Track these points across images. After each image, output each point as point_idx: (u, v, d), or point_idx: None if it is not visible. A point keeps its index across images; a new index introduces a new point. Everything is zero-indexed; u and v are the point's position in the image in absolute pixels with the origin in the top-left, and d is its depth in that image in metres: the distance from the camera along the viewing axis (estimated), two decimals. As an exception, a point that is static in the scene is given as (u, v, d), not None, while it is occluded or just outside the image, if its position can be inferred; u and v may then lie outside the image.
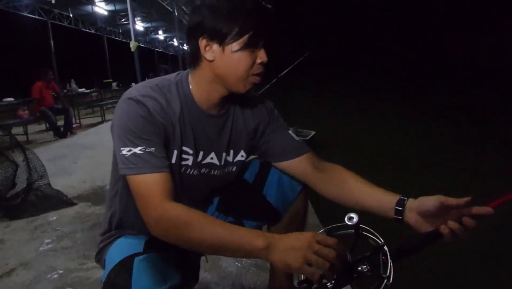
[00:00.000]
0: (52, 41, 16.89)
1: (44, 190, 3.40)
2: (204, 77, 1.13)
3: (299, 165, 1.25)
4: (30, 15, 15.55)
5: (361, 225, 0.90)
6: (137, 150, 1.03)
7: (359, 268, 0.89)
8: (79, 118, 9.64)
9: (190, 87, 1.15)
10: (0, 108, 8.85)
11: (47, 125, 8.25)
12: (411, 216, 1.03)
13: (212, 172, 1.24)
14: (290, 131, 1.30)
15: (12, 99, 9.02)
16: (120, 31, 23.91)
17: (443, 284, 2.20)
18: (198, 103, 1.16)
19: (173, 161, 1.13)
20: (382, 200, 1.09)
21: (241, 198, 1.35)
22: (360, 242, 0.92)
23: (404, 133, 6.92)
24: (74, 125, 8.37)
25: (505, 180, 3.48)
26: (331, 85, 20.66)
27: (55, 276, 2.11)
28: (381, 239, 0.92)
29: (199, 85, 1.15)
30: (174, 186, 1.05)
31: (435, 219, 1.00)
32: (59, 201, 3.33)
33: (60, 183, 3.81)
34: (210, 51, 1.08)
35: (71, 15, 18.35)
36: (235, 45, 1.05)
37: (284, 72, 4.70)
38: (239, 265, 2.02)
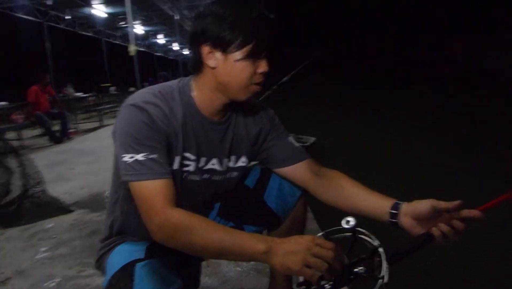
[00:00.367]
0: (48, 44, 17.06)
1: (40, 197, 3.44)
2: (206, 84, 1.19)
3: (299, 171, 1.33)
4: (26, 17, 15.69)
5: (357, 228, 0.97)
6: (139, 157, 1.07)
7: (356, 270, 0.96)
8: (76, 123, 9.74)
9: (193, 94, 1.21)
10: (-7, 112, 8.93)
11: (42, 131, 8.34)
12: (405, 220, 1.11)
13: (214, 177, 1.30)
14: (290, 138, 1.38)
15: (6, 103, 9.08)
16: (119, 34, 24.09)
17: (437, 285, 2.29)
18: (200, 110, 1.21)
19: (175, 167, 1.19)
20: (378, 204, 1.17)
21: (242, 203, 1.42)
22: (357, 244, 0.99)
23: (403, 138, 7.09)
24: (70, 131, 8.44)
25: (496, 184, 3.59)
26: (331, 91, 20.88)
27: (53, 284, 2.15)
28: (377, 241, 0.99)
29: (202, 92, 1.20)
30: (176, 192, 1.10)
31: (427, 222, 1.08)
32: (56, 208, 3.37)
33: (56, 189, 3.87)
34: (213, 58, 1.13)
35: (68, 17, 18.51)
36: (238, 54, 1.11)
37: (284, 79, 4.79)
38: (239, 269, 2.10)
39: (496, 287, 2.17)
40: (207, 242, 0.99)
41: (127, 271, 1.11)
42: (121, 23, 21.03)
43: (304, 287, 0.95)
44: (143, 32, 24.15)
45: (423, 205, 1.08)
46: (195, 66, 1.20)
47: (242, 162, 1.35)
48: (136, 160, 1.07)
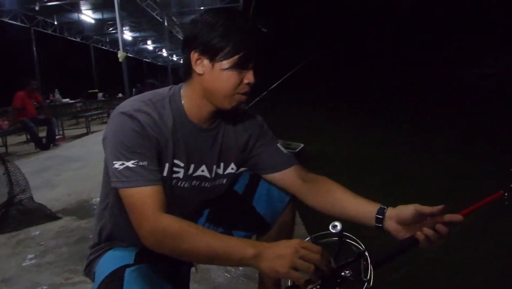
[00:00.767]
0: (35, 49, 16.98)
1: (26, 204, 3.42)
2: (195, 91, 1.21)
3: (287, 177, 1.36)
4: (12, 22, 15.63)
5: (344, 233, 1.01)
6: (130, 164, 1.09)
7: (343, 273, 0.99)
8: (63, 130, 9.68)
9: (182, 101, 1.23)
10: (-23, 118, 8.85)
11: (28, 137, 8.28)
12: (390, 224, 1.15)
13: (203, 184, 1.33)
14: (278, 145, 1.41)
15: (-10, 108, 9.04)
16: (107, 40, 24.05)
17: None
18: (190, 118, 1.24)
19: (165, 173, 1.21)
20: (364, 209, 1.21)
21: (231, 209, 1.44)
22: (344, 249, 1.02)
23: (391, 145, 7.35)
24: (57, 137, 8.41)
25: (478, 190, 3.74)
26: (320, 97, 21.37)
27: (40, 292, 2.15)
28: (362, 245, 1.02)
29: (191, 100, 1.23)
30: (166, 198, 1.12)
31: (412, 226, 1.12)
32: (43, 215, 3.35)
33: (43, 196, 3.86)
34: (201, 65, 1.16)
35: (55, 23, 18.44)
36: (225, 63, 1.14)
37: (273, 86, 4.84)
38: (228, 276, 2.12)
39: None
40: (197, 247, 1.01)
41: (116, 276, 1.13)
42: (109, 29, 21.01)
43: None
44: (131, 38, 24.14)
45: (407, 210, 1.12)
46: (185, 72, 1.22)
47: (231, 168, 1.37)
48: (127, 167, 1.09)
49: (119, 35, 11.30)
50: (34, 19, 16.67)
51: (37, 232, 3.08)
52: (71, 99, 13.20)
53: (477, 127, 8.84)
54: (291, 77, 4.84)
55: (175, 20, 21.12)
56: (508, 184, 1.09)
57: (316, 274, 0.93)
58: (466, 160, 5.66)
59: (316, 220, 1.19)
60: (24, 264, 2.53)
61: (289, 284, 0.97)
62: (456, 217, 1.08)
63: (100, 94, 15.71)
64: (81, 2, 15.90)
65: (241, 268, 2.18)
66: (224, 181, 1.38)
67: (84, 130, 10.16)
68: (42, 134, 7.85)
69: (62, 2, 14.60)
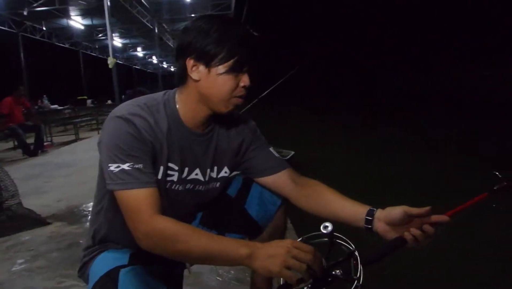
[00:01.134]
0: (23, 55, 16.91)
1: (16, 210, 3.41)
2: (190, 97, 1.25)
3: (279, 180, 1.40)
4: (0, 27, 15.57)
5: (335, 233, 1.05)
6: (125, 166, 1.11)
7: (333, 273, 1.03)
8: (51, 136, 9.64)
9: (177, 106, 1.27)
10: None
11: (15, 143, 8.24)
12: (379, 225, 1.20)
13: (197, 187, 1.36)
14: (271, 149, 1.45)
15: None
16: (97, 46, 24.02)
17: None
18: (184, 122, 1.27)
19: (159, 176, 1.24)
20: (354, 211, 1.25)
21: (224, 212, 1.48)
22: (334, 249, 1.07)
23: (381, 152, 7.57)
24: (45, 144, 8.36)
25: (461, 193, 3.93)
26: (310, 106, 21.71)
27: (31, 295, 2.17)
28: (352, 245, 1.07)
29: (186, 105, 1.26)
30: (161, 201, 1.15)
31: (400, 227, 1.17)
32: (33, 220, 3.35)
33: (33, 202, 3.85)
34: (196, 71, 1.20)
35: (44, 28, 18.40)
36: (220, 68, 1.18)
37: (264, 93, 4.90)
38: (220, 279, 2.16)
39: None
40: (193, 248, 1.04)
41: (111, 276, 1.16)
42: (99, 35, 21.00)
43: None
44: (121, 45, 24.13)
45: (396, 211, 1.17)
46: (179, 78, 1.25)
47: (224, 172, 1.41)
48: (122, 170, 1.11)
49: (109, 41, 11.29)
50: (22, 24, 16.62)
51: (27, 237, 3.09)
52: (59, 106, 13.17)
53: (467, 131, 9.21)
54: (282, 84, 4.92)
55: (165, 27, 21.20)
56: (492, 186, 1.14)
57: (308, 273, 0.96)
58: (453, 163, 5.96)
59: (306, 224, 1.24)
60: (14, 269, 2.53)
61: (282, 283, 1.01)
62: (442, 218, 1.13)
63: (89, 101, 15.66)
64: (70, 8, 15.89)
65: (232, 271, 2.22)
66: (218, 184, 1.41)
67: (72, 137, 10.12)
68: (30, 140, 7.81)
69: (51, 7, 14.57)
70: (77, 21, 17.79)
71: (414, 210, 1.14)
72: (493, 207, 1.22)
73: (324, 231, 1.04)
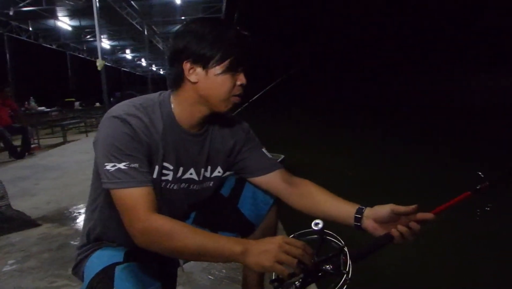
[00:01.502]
0: (8, 55, 16.78)
1: (5, 211, 3.41)
2: (186, 98, 1.30)
3: (272, 180, 1.46)
4: (-16, 27, 15.45)
5: (325, 230, 1.11)
6: (121, 165, 1.15)
7: (324, 267, 1.08)
8: (38, 139, 9.58)
9: (172, 107, 1.32)
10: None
11: (1, 145, 8.17)
12: (368, 223, 1.27)
13: (191, 186, 1.41)
14: (264, 150, 1.51)
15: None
16: (85, 48, 23.90)
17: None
18: (179, 123, 1.32)
19: (154, 176, 1.28)
20: (344, 209, 1.32)
21: (218, 211, 1.53)
22: (325, 245, 1.13)
23: (368, 155, 7.89)
24: (32, 146, 8.31)
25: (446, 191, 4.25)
26: (300, 110, 22.01)
27: (23, 295, 2.18)
28: (342, 241, 1.13)
29: (181, 106, 1.31)
30: (156, 200, 1.19)
31: (387, 225, 1.23)
32: (22, 222, 3.34)
33: (21, 204, 3.85)
34: (194, 74, 1.25)
35: (30, 29, 18.28)
36: (217, 69, 1.24)
37: (256, 97, 4.97)
38: (212, 278, 2.21)
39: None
40: (188, 245, 1.09)
41: (107, 273, 1.20)
42: (87, 36, 20.91)
43: (276, 283, 1.07)
44: (109, 47, 24.05)
45: (383, 209, 1.24)
46: (175, 81, 1.30)
47: (218, 172, 1.46)
48: (119, 169, 1.15)
49: (98, 43, 11.27)
50: (8, 24, 16.49)
51: (18, 239, 3.09)
52: (47, 108, 13.09)
53: (459, 133, 9.74)
54: (273, 89, 4.99)
55: (155, 29, 21.17)
56: (475, 186, 1.21)
57: (299, 267, 1.02)
58: (439, 164, 6.37)
59: (296, 223, 1.30)
60: (5, 269, 2.54)
61: (274, 277, 1.06)
62: (428, 216, 1.20)
63: (77, 103, 15.60)
64: (58, 8, 15.82)
65: (224, 270, 2.27)
66: (211, 183, 1.46)
67: (60, 140, 10.07)
68: (17, 143, 7.77)
69: (37, 7, 14.50)
70: (64, 22, 17.70)
71: (401, 208, 1.21)
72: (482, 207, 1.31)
73: (315, 228, 1.10)
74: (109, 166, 1.16)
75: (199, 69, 1.25)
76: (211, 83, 1.26)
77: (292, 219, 1.56)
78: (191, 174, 1.39)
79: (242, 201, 1.53)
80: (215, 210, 1.54)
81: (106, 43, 22.64)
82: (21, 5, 14.17)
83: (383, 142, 9.24)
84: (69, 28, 18.56)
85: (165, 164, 1.31)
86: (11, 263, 2.63)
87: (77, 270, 1.39)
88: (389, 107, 19.44)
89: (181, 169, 1.36)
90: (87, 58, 24.63)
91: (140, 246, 1.13)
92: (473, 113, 14.80)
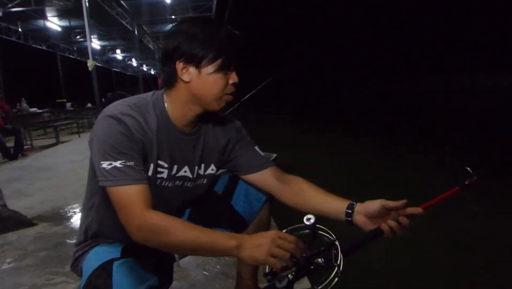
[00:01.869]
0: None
1: (1, 211, 3.40)
2: (179, 97, 1.32)
3: (264, 177, 1.49)
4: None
5: (317, 225, 1.14)
6: (117, 164, 1.17)
7: (316, 261, 1.11)
8: (31, 140, 9.54)
9: (166, 106, 1.33)
10: None
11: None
12: (358, 218, 1.30)
13: (185, 184, 1.43)
14: (256, 148, 1.54)
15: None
16: (75, 48, 23.73)
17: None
18: (173, 122, 1.34)
19: (149, 173, 1.30)
20: (335, 205, 1.35)
21: (211, 208, 1.56)
22: (317, 239, 1.17)
23: (357, 155, 8.01)
24: (25, 147, 8.28)
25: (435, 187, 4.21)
26: (291, 109, 22.18)
27: (22, 291, 2.20)
28: (333, 236, 1.16)
29: (175, 105, 1.33)
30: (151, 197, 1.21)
31: (378, 219, 1.27)
32: (18, 221, 3.34)
33: (16, 204, 3.85)
34: (187, 73, 1.27)
35: (20, 30, 18.11)
36: (210, 68, 1.26)
37: (247, 96, 5.00)
38: (207, 274, 2.24)
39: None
40: (184, 240, 1.11)
41: (105, 268, 1.22)
42: (77, 37, 20.77)
43: (270, 277, 1.10)
44: (99, 47, 23.91)
45: (374, 204, 1.27)
46: (168, 81, 1.32)
47: (211, 169, 1.49)
48: (115, 167, 1.17)
49: (88, 43, 11.22)
50: (-3, 26, 16.35)
51: (15, 238, 3.10)
52: (38, 109, 13.00)
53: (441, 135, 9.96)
54: (264, 88, 5.03)
55: (145, 29, 21.06)
56: (463, 181, 1.26)
57: (291, 261, 1.05)
58: (428, 161, 6.60)
59: (289, 217, 1.34)
60: (3, 267, 2.55)
61: (267, 271, 1.09)
62: (417, 210, 1.24)
63: (68, 104, 15.51)
64: (47, 9, 15.67)
65: (218, 266, 2.31)
66: (205, 181, 1.49)
67: (53, 141, 10.02)
68: (9, 144, 7.74)
69: (26, 8, 14.36)
70: (54, 23, 17.55)
71: (391, 203, 1.24)
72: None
73: (307, 223, 1.12)
74: (105, 164, 1.17)
75: (192, 69, 1.27)
76: (204, 82, 1.28)
77: (285, 215, 1.59)
78: (185, 171, 1.41)
79: (235, 198, 1.56)
80: (209, 207, 1.56)
81: (96, 44, 22.52)
82: (9, 5, 14.04)
83: (381, 143, 9.39)
84: (59, 29, 18.42)
85: (160, 162, 1.33)
86: (9, 262, 2.64)
87: (75, 266, 1.41)
88: (387, 107, 19.74)
89: (175, 166, 1.38)
90: (78, 58, 24.46)
91: (138, 241, 1.15)
92: (472, 113, 15.04)
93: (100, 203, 1.35)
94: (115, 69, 35.34)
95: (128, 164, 1.18)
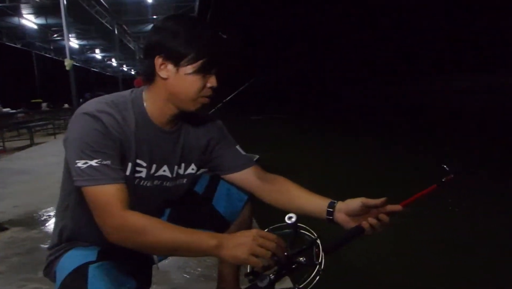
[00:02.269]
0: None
1: None
2: (158, 95, 1.31)
3: (246, 177, 1.50)
4: None
5: (298, 224, 1.16)
6: (93, 163, 1.15)
7: (297, 260, 1.13)
8: (3, 142, 9.39)
9: (145, 104, 1.33)
10: None
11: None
12: (339, 216, 1.32)
13: (164, 183, 1.43)
14: (237, 147, 1.55)
15: None
16: (52, 47, 23.47)
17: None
18: (152, 120, 1.33)
19: (127, 173, 1.29)
20: (316, 204, 1.38)
21: (192, 209, 1.56)
22: (298, 238, 1.18)
23: (357, 155, 8.19)
24: (-2, 149, 8.18)
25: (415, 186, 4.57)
26: (291, 109, 22.42)
27: (-8, 300, 2.18)
28: (315, 234, 1.18)
29: (153, 102, 1.33)
30: (129, 197, 1.20)
31: (358, 217, 1.30)
32: (-13, 226, 3.33)
33: (-13, 208, 3.80)
34: (165, 70, 1.26)
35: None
36: (189, 68, 1.25)
37: (229, 97, 5.01)
38: (188, 276, 2.24)
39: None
40: (162, 240, 1.11)
41: (80, 272, 1.20)
42: (54, 35, 20.54)
43: (251, 276, 1.11)
44: (78, 46, 23.70)
45: (354, 203, 1.30)
46: (147, 76, 1.31)
47: (191, 169, 1.49)
48: (90, 166, 1.15)
49: (65, 42, 11.10)
50: (-32, 22, 16.09)
51: (-16, 243, 3.06)
52: (12, 109, 12.82)
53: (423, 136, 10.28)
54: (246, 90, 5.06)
55: (126, 28, 20.93)
56: (440, 179, 1.29)
57: (273, 260, 1.07)
58: (428, 161, 6.65)
59: (270, 219, 1.36)
60: (-27, 274, 2.50)
61: (248, 270, 1.10)
62: (396, 208, 1.27)
63: (44, 104, 15.31)
64: (22, 6, 15.47)
65: (199, 269, 2.31)
66: (185, 180, 1.48)
67: (27, 142, 9.88)
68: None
69: (1, 4, 14.16)
70: (29, 20, 17.34)
71: (371, 201, 1.27)
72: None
73: (289, 222, 1.14)
74: (80, 163, 1.16)
75: (170, 66, 1.26)
76: (180, 81, 1.27)
77: (266, 214, 1.60)
78: (164, 170, 1.40)
79: (216, 198, 1.57)
80: (190, 207, 1.56)
81: (74, 43, 22.30)
82: (-17, 2, 13.86)
83: (381, 143, 9.65)
84: (35, 27, 18.21)
85: (138, 161, 1.32)
86: (-21, 268, 2.59)
87: (48, 271, 1.39)
88: (387, 107, 20.11)
89: (154, 166, 1.37)
90: (55, 58, 24.22)
91: (114, 242, 1.14)
92: (472, 113, 15.39)
93: (75, 204, 1.34)
94: (94, 69, 35.09)
95: (105, 162, 1.17)
